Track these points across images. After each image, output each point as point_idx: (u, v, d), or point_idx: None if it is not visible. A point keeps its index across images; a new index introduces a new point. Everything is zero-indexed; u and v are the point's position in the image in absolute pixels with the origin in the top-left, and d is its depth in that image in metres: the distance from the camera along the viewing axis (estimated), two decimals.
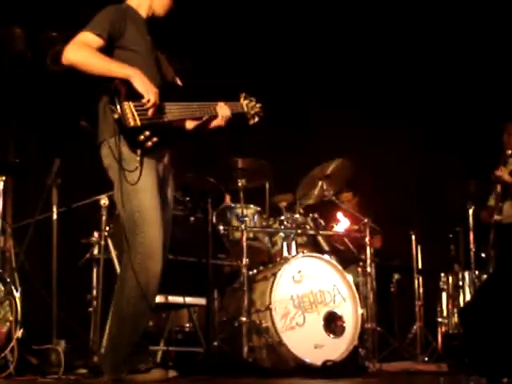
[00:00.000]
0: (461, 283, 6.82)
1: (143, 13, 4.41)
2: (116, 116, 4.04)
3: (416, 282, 6.79)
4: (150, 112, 4.09)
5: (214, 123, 4.49)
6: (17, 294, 4.98)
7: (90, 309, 5.71)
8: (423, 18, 8.09)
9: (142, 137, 4.06)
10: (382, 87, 8.21)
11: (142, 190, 4.12)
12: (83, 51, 4.10)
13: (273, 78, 7.69)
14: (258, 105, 4.67)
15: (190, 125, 4.51)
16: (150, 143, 4.08)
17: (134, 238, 4.14)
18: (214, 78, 6.91)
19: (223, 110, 4.48)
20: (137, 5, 4.40)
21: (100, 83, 4.16)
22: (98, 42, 4.13)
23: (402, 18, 8.10)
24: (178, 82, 4.53)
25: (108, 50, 4.18)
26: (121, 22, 4.24)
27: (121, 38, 4.23)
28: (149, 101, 4.08)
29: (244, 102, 4.64)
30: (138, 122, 4.04)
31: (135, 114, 4.04)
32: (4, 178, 5.34)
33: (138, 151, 4.09)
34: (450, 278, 7.00)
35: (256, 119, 4.65)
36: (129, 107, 4.04)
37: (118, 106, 4.03)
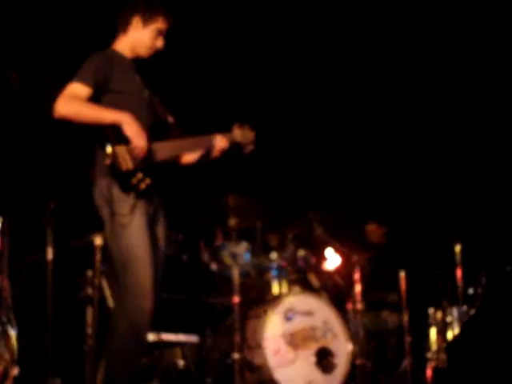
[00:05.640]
0: (449, 319, 6.86)
1: (128, 54, 4.49)
2: (108, 161, 4.10)
3: (405, 317, 6.83)
4: (141, 156, 4.15)
5: (210, 155, 4.53)
6: (13, 333, 5.02)
7: (85, 347, 5.74)
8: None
9: (135, 180, 4.12)
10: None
11: (131, 230, 4.16)
12: (73, 104, 4.18)
13: (265, 109, 7.70)
14: (252, 133, 4.65)
15: (186, 159, 4.56)
16: (143, 185, 4.14)
17: (124, 277, 4.19)
18: (206, 111, 6.99)
19: (220, 142, 4.51)
20: (121, 48, 4.49)
21: (92, 129, 4.23)
22: (86, 91, 4.21)
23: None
24: (171, 119, 4.60)
25: (98, 95, 4.26)
26: (106, 67, 4.32)
27: (109, 82, 4.30)
28: (137, 146, 4.14)
29: (238, 132, 4.62)
30: (131, 166, 4.11)
31: (127, 157, 4.10)
32: (1, 218, 5.41)
33: (132, 194, 4.14)
34: (439, 314, 7.04)
35: (250, 147, 4.64)
36: (120, 151, 4.10)
37: (110, 151, 4.09)
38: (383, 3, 7.44)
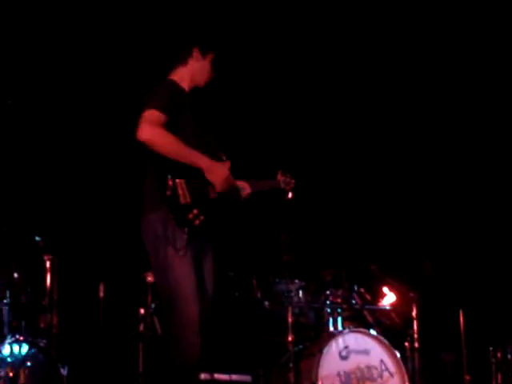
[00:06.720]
0: (510, 357, 6.71)
1: (185, 86, 4.49)
2: (168, 192, 4.10)
3: (464, 356, 6.69)
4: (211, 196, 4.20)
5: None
6: (64, 373, 5.00)
7: None
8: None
9: (191, 215, 4.12)
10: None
11: (179, 266, 4.13)
12: (162, 134, 4.14)
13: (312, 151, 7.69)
14: (293, 181, 4.83)
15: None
16: (197, 221, 4.13)
17: (171, 310, 4.15)
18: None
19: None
20: (179, 78, 4.48)
21: (153, 159, 4.21)
22: (164, 118, 4.17)
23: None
24: (224, 157, 4.58)
25: (170, 125, 4.22)
26: (176, 97, 4.33)
27: (178, 113, 4.28)
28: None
29: (281, 179, 4.80)
30: (189, 200, 4.11)
31: (186, 191, 4.11)
32: (51, 256, 5.44)
33: (186, 229, 4.13)
34: (499, 352, 6.89)
35: (290, 195, 4.81)
36: (180, 185, 4.12)
37: (171, 183, 4.10)
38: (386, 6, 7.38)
